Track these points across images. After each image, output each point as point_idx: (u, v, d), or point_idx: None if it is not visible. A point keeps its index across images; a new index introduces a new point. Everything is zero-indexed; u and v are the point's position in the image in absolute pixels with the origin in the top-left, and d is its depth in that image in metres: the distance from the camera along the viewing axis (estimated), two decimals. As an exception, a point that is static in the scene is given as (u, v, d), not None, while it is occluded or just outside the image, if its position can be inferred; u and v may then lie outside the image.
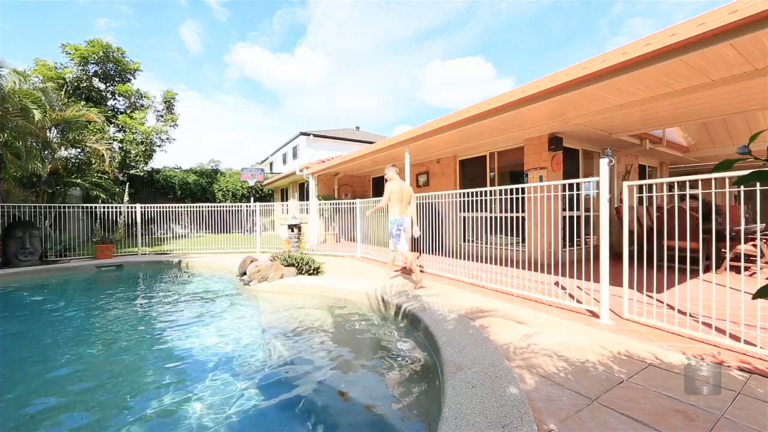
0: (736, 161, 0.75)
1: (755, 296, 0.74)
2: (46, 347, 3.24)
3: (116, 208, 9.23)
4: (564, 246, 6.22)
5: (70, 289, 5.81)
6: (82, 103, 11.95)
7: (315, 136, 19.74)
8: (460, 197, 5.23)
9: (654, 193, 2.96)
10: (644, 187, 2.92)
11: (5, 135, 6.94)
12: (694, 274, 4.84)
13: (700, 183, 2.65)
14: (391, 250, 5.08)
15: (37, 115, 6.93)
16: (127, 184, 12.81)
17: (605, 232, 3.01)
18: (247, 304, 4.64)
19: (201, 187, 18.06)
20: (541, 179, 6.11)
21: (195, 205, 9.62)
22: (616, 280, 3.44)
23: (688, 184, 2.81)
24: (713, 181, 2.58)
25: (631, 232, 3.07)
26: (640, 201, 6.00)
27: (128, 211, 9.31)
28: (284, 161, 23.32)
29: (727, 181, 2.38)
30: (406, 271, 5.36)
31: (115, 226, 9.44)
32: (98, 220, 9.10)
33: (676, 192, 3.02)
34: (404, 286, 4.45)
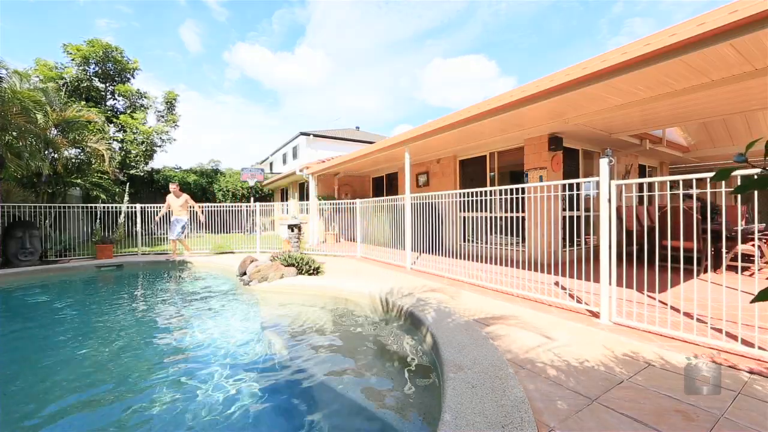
0: (734, 170, 0.75)
1: (753, 300, 0.73)
2: (46, 346, 3.24)
3: (116, 208, 9.22)
4: (564, 246, 6.22)
5: (71, 288, 5.81)
6: (82, 103, 11.95)
7: (315, 136, 19.75)
8: (460, 197, 5.22)
9: (645, 192, 2.95)
10: (634, 186, 2.91)
11: (7, 135, 6.94)
12: (690, 274, 4.84)
13: (694, 182, 2.64)
14: (171, 239, 8.25)
15: (40, 118, 6.95)
16: (128, 184, 12.79)
17: (605, 232, 3.02)
18: (247, 303, 4.63)
19: (201, 187, 18.04)
20: (541, 179, 6.10)
21: (195, 205, 9.60)
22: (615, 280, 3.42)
23: (681, 183, 2.80)
24: (708, 181, 2.58)
25: (630, 232, 3.07)
26: (640, 200, 5.99)
27: (128, 211, 9.31)
28: (284, 161, 23.33)
29: (723, 182, 2.38)
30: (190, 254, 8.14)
31: (115, 226, 9.43)
32: (98, 220, 9.09)
33: (668, 192, 3.02)
34: (407, 287, 4.45)
